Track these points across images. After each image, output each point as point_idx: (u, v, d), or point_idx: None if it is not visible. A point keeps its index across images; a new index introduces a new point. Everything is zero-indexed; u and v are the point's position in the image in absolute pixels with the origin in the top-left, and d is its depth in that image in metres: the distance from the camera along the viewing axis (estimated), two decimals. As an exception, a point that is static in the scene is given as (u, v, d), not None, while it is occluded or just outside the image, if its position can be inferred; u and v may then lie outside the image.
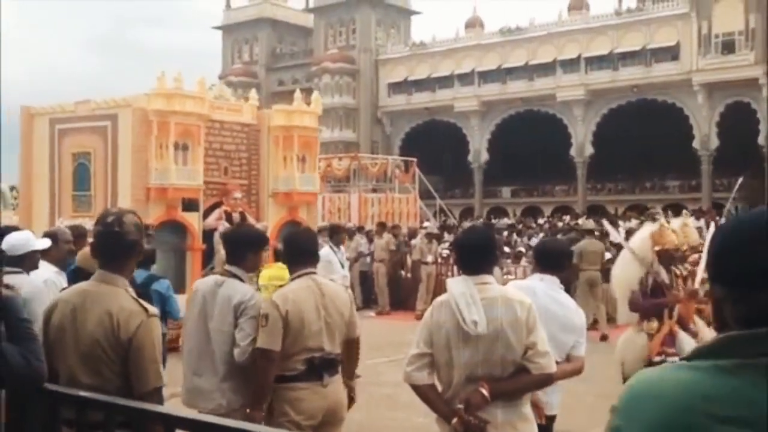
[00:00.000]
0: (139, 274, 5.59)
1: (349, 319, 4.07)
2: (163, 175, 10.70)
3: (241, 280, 4.10)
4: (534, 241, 16.58)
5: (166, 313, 6.02)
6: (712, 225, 6.14)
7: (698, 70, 41.04)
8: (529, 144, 46.28)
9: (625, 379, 4.75)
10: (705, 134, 41.93)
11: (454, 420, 3.12)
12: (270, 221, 11.82)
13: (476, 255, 3.33)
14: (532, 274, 4.37)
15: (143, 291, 4.74)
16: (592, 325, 12.29)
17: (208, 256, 10.71)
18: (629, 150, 43.92)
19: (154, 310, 2.89)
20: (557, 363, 3.38)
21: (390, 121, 53.19)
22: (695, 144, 42.34)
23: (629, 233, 8.70)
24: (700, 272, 4.99)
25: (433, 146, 46.49)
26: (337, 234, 10.29)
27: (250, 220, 10.80)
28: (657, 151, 43.08)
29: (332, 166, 21.72)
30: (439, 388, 3.27)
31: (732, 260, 1.19)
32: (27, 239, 4.51)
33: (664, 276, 5.11)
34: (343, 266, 9.83)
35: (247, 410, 3.96)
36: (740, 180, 22.36)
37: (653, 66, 43.14)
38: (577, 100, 45.47)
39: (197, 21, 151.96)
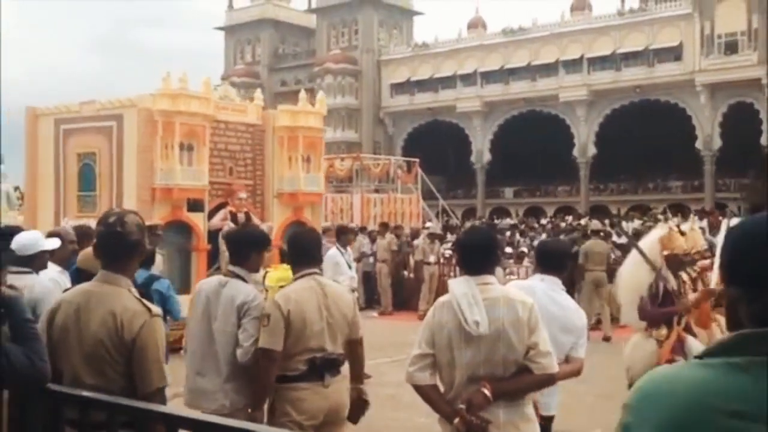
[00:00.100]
0: (140, 275, 5.59)
1: (351, 319, 4.06)
2: (168, 175, 10.69)
3: (244, 280, 4.10)
4: (537, 242, 16.57)
5: (167, 313, 6.02)
6: (723, 226, 6.08)
7: (701, 71, 41.02)
8: (532, 144, 46.25)
9: (630, 385, 4.71)
10: (708, 135, 41.91)
11: (456, 420, 3.12)
12: (275, 221, 11.81)
13: (478, 255, 3.33)
14: (533, 274, 4.37)
15: (144, 291, 4.74)
16: (595, 326, 12.31)
17: (213, 257, 10.71)
18: (632, 150, 43.90)
19: (157, 310, 2.90)
20: None
21: (392, 121, 53.20)
22: (698, 144, 42.33)
23: (637, 235, 8.66)
24: (715, 274, 4.93)
25: (436, 147, 46.50)
26: (344, 235, 10.29)
27: (255, 220, 10.80)
28: (660, 152, 43.04)
29: (335, 166, 21.71)
30: (441, 388, 3.27)
31: (745, 261, 1.21)
32: (36, 239, 4.53)
33: (672, 282, 5.06)
34: (350, 267, 9.83)
35: (249, 410, 3.97)
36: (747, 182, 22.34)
37: (656, 66, 43.14)
38: (579, 100, 45.46)
39: (197, 21, 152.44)
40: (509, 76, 48.01)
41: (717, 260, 4.63)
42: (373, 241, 16.06)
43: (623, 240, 14.51)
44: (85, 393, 2.66)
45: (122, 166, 10.86)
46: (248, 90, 35.05)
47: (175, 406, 3.21)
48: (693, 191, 43.82)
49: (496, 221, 33.26)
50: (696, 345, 4.80)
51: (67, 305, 2.91)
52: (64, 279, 4.74)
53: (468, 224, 22.92)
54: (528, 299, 3.26)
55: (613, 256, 12.71)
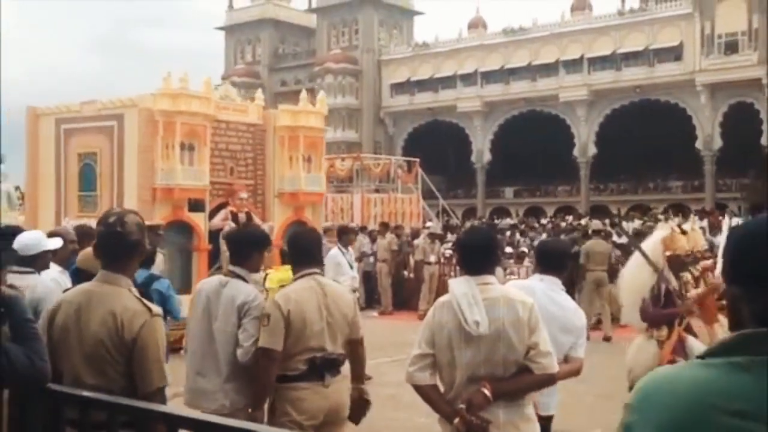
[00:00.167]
0: (139, 274, 5.59)
1: (352, 319, 4.06)
2: (169, 175, 10.68)
3: (245, 280, 4.10)
4: (537, 242, 16.57)
5: (167, 313, 6.02)
6: (725, 225, 6.06)
7: (701, 71, 41.04)
8: (532, 144, 46.28)
9: (631, 386, 4.71)
10: (708, 134, 41.93)
11: (456, 420, 3.12)
12: (276, 221, 11.81)
13: (478, 255, 3.33)
14: (533, 274, 4.37)
15: (144, 291, 4.75)
16: (596, 325, 12.31)
17: (214, 257, 10.70)
18: (632, 150, 43.92)
19: (157, 309, 2.90)
20: None
21: (393, 121, 53.22)
22: (698, 144, 42.35)
23: (638, 235, 8.66)
24: (718, 272, 4.93)
25: (436, 147, 46.51)
26: (345, 235, 10.30)
27: (256, 220, 10.80)
28: (660, 152, 43.05)
29: (335, 166, 21.71)
30: (441, 388, 3.28)
31: (746, 261, 1.22)
32: (39, 239, 4.53)
33: (674, 283, 5.05)
34: (352, 267, 9.84)
35: (249, 410, 3.97)
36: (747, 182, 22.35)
37: (656, 66, 43.17)
38: (579, 100, 45.48)
39: (197, 21, 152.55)
40: (509, 76, 48.04)
41: (720, 259, 4.63)
42: (373, 240, 16.06)
43: (623, 240, 14.52)
44: (86, 393, 2.66)
45: (123, 166, 10.85)
46: (248, 90, 35.07)
47: (176, 405, 3.21)
48: (693, 191, 43.84)
49: (496, 221, 33.26)
50: (697, 345, 4.80)
51: (68, 305, 2.91)
52: (65, 279, 4.74)
53: (468, 224, 22.94)
54: (528, 299, 3.26)
55: (614, 256, 12.72)
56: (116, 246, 2.90)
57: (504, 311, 3.16)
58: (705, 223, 17.28)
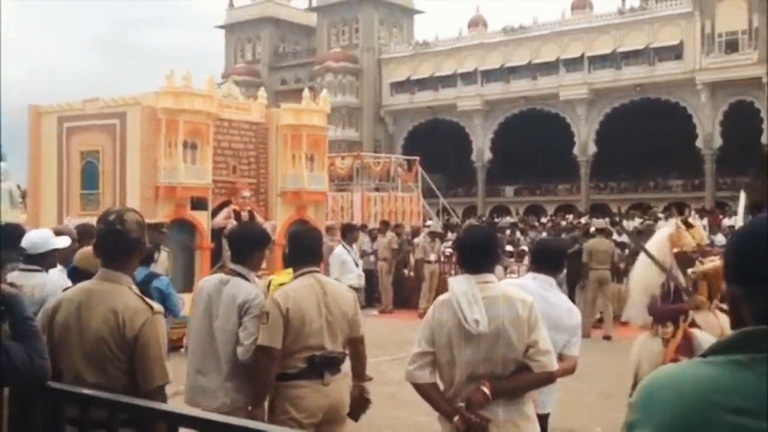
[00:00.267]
0: (139, 272, 5.59)
1: (352, 317, 4.06)
2: (171, 173, 10.68)
3: (246, 278, 4.10)
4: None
5: (167, 311, 6.01)
6: (740, 212, 6.00)
7: (701, 69, 41.01)
8: (532, 143, 46.25)
9: (636, 384, 4.69)
10: (708, 133, 41.91)
11: (456, 418, 3.12)
12: (278, 220, 11.82)
13: (478, 254, 3.33)
14: (527, 272, 4.37)
15: (144, 289, 4.75)
16: (597, 324, 12.33)
17: (216, 255, 10.71)
18: (632, 149, 43.90)
19: (158, 307, 2.90)
20: None
21: (393, 120, 53.19)
22: (698, 143, 42.33)
23: (639, 234, 8.66)
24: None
25: (436, 145, 46.45)
26: (349, 233, 10.31)
27: (259, 219, 10.80)
28: (660, 150, 43.03)
29: (335, 164, 21.68)
30: (441, 386, 3.28)
31: (747, 261, 1.23)
32: (47, 238, 4.54)
33: (682, 280, 5.02)
34: (357, 265, 9.86)
35: (249, 408, 3.97)
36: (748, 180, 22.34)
37: (656, 65, 43.14)
38: (580, 99, 45.46)
39: (197, 21, 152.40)
40: (510, 74, 48.00)
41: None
42: (373, 239, 16.07)
43: (624, 238, 14.55)
44: (86, 391, 2.65)
45: (125, 165, 10.83)
46: (248, 88, 35.02)
47: (176, 404, 3.21)
48: (693, 190, 43.82)
49: (496, 219, 33.32)
50: (706, 338, 4.74)
51: (68, 303, 2.91)
52: (64, 277, 4.76)
53: (468, 222, 22.94)
54: (528, 298, 3.27)
55: (616, 255, 12.74)
56: (116, 244, 2.90)
57: (504, 310, 3.16)
58: (705, 222, 17.31)
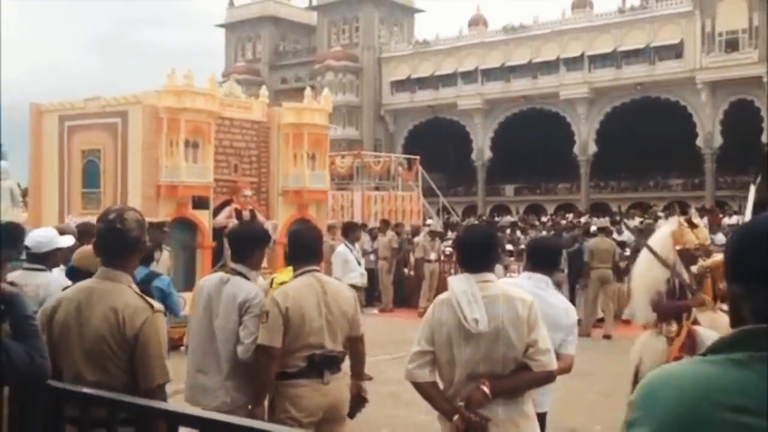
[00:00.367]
0: (139, 272, 5.59)
1: (352, 316, 4.06)
2: (173, 172, 10.67)
3: (246, 277, 4.10)
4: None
5: (168, 310, 6.01)
6: (750, 204, 5.94)
7: (702, 68, 41.01)
8: (532, 142, 46.26)
9: (636, 382, 4.68)
10: (708, 132, 41.91)
11: (456, 417, 3.13)
12: (280, 219, 11.82)
13: (478, 253, 3.33)
14: (522, 271, 4.36)
15: (144, 288, 4.76)
16: (597, 323, 12.34)
17: (218, 254, 10.72)
18: (632, 148, 43.90)
19: (159, 306, 2.90)
20: None
21: (393, 118, 53.17)
22: (699, 142, 42.33)
23: (639, 233, 8.65)
24: None
25: (437, 144, 46.46)
26: (352, 232, 10.30)
27: (260, 218, 10.81)
28: (660, 149, 43.03)
29: (335, 163, 21.65)
30: (441, 385, 3.28)
31: (748, 260, 1.24)
32: (52, 237, 4.54)
33: (686, 277, 5.00)
34: (360, 264, 9.86)
35: (249, 407, 3.98)
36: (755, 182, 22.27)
37: (657, 64, 43.12)
38: (580, 98, 45.45)
39: (197, 21, 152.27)
40: (510, 73, 47.99)
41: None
42: (373, 238, 16.07)
43: (624, 237, 14.56)
44: (86, 390, 2.65)
45: (127, 163, 10.83)
46: (249, 87, 34.99)
47: (176, 402, 3.22)
48: (693, 189, 43.84)
49: (496, 219, 33.32)
50: (710, 335, 4.71)
51: (68, 302, 2.90)
52: (63, 276, 4.76)
53: (468, 221, 22.96)
54: (528, 297, 3.27)
55: (618, 254, 12.74)
56: (116, 243, 2.90)
57: (503, 309, 3.16)
58: (705, 221, 17.31)
